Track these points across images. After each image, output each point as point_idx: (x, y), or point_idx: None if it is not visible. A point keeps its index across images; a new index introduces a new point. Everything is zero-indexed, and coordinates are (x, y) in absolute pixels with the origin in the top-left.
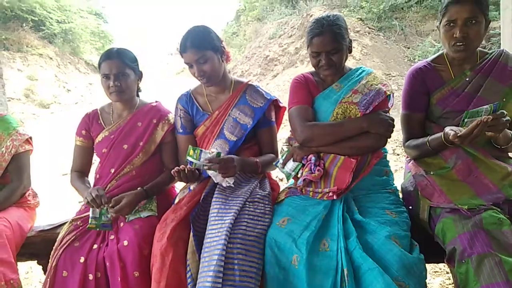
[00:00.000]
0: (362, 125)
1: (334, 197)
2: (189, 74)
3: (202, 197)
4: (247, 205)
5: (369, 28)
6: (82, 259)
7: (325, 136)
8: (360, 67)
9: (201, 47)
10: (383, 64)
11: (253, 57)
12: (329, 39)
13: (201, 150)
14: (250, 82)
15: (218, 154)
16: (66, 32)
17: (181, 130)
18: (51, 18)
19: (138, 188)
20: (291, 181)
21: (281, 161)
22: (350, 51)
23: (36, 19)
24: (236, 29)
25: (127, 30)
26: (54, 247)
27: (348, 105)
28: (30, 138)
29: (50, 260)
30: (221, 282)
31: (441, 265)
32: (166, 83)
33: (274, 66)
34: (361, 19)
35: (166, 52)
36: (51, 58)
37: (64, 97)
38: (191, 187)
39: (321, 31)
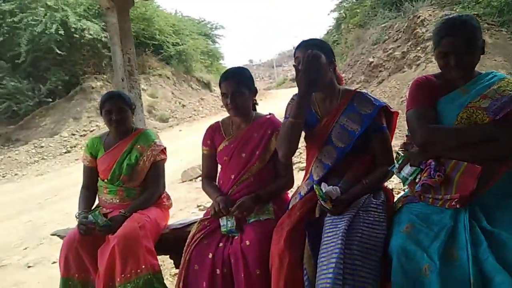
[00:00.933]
0: (491, 132)
1: (458, 206)
2: (289, 85)
3: (317, 207)
4: (361, 214)
5: (488, 24)
6: (210, 255)
7: (448, 140)
8: (491, 72)
9: (315, 47)
10: (508, 63)
11: (356, 65)
12: (461, 40)
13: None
14: (358, 90)
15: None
16: (180, 54)
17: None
18: (168, 42)
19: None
20: (406, 190)
21: (397, 165)
22: (483, 52)
23: (156, 43)
24: (337, 38)
25: (233, 47)
26: (186, 244)
27: (475, 110)
28: (165, 148)
29: (183, 255)
30: (341, 285)
31: None
32: (269, 94)
33: (378, 72)
34: (477, 15)
35: (269, 65)
36: (168, 78)
37: (180, 112)
38: (302, 193)
39: (453, 31)
